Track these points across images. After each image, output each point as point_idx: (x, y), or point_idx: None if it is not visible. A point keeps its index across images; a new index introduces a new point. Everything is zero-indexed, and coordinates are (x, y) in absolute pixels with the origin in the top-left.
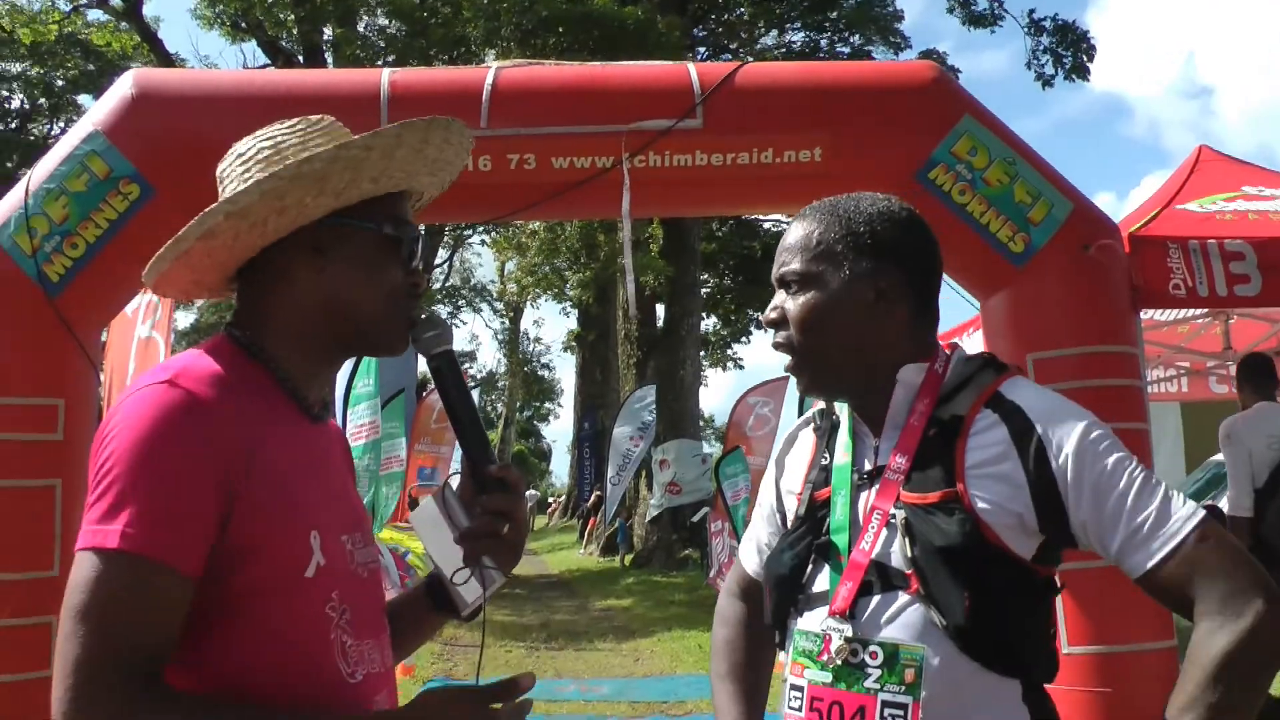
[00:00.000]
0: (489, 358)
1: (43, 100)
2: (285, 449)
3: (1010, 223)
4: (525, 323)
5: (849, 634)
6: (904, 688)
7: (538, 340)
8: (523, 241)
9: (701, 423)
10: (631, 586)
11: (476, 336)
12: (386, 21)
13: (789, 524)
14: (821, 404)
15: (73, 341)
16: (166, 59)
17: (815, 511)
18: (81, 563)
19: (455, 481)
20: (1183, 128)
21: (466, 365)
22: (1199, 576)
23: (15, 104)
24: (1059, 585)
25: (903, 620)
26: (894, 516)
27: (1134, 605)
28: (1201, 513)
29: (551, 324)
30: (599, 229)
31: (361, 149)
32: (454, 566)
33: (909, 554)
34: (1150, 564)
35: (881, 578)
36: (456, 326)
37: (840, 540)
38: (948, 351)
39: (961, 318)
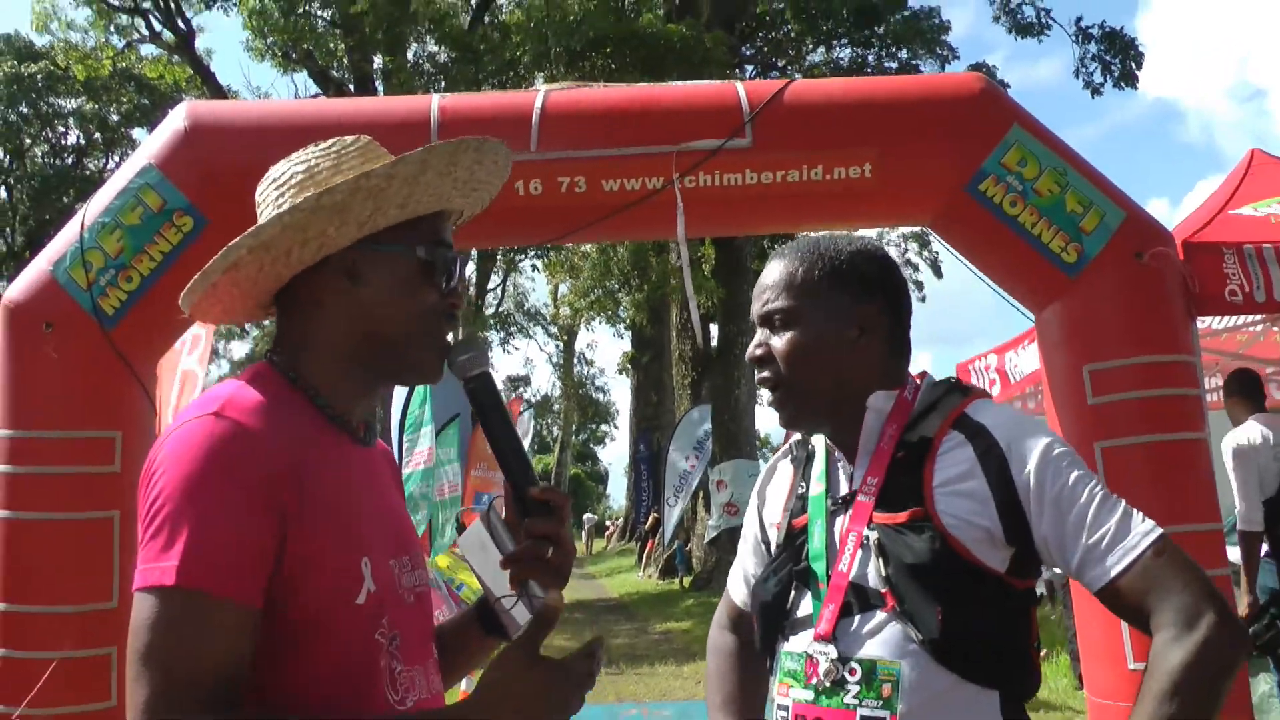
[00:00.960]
0: (543, 382)
1: (98, 135)
2: (332, 474)
3: (1062, 233)
4: (579, 345)
5: (834, 655)
6: (881, 702)
7: (592, 363)
8: (575, 264)
9: (757, 442)
10: (691, 609)
11: (530, 360)
12: (436, 48)
13: (772, 553)
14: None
15: (129, 374)
16: (219, 91)
17: (794, 539)
18: (140, 603)
19: (500, 505)
20: (1237, 131)
21: (521, 390)
22: (1155, 590)
23: (71, 139)
24: (1038, 596)
25: (881, 637)
26: (868, 538)
27: None
28: (1158, 529)
29: (605, 346)
30: (651, 250)
31: (383, 178)
32: (502, 590)
33: (883, 573)
34: (1108, 578)
35: (859, 598)
36: (510, 352)
37: (818, 566)
38: (917, 380)
39: (1015, 330)
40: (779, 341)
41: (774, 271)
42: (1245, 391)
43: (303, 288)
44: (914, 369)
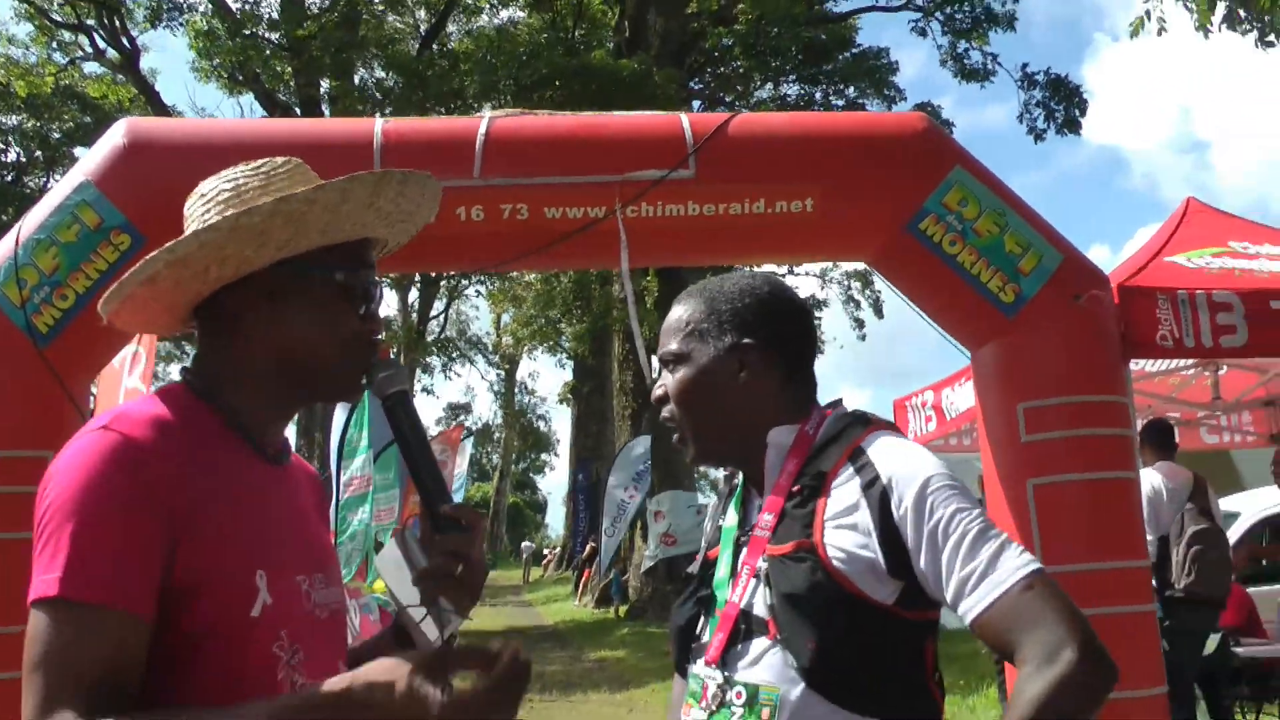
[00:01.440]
0: (485, 410)
1: (39, 153)
2: (231, 490)
3: (1001, 273)
4: (521, 374)
5: (719, 680)
6: None
7: (533, 392)
8: (518, 294)
9: (696, 474)
10: (626, 637)
11: (472, 388)
12: (384, 74)
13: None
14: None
15: (63, 393)
16: (163, 111)
17: (707, 568)
18: (31, 617)
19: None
20: (1179, 181)
21: (462, 417)
22: (1020, 625)
23: (11, 157)
24: (934, 627)
25: (764, 663)
26: (760, 569)
27: (1125, 652)
28: (1033, 564)
29: (547, 376)
30: (594, 280)
31: (303, 203)
32: (413, 605)
33: (768, 601)
34: (976, 611)
35: (748, 625)
36: (450, 379)
37: (721, 594)
38: (826, 412)
39: (953, 367)
40: (670, 382)
41: (670, 316)
42: (1155, 440)
43: (224, 303)
44: (859, 404)
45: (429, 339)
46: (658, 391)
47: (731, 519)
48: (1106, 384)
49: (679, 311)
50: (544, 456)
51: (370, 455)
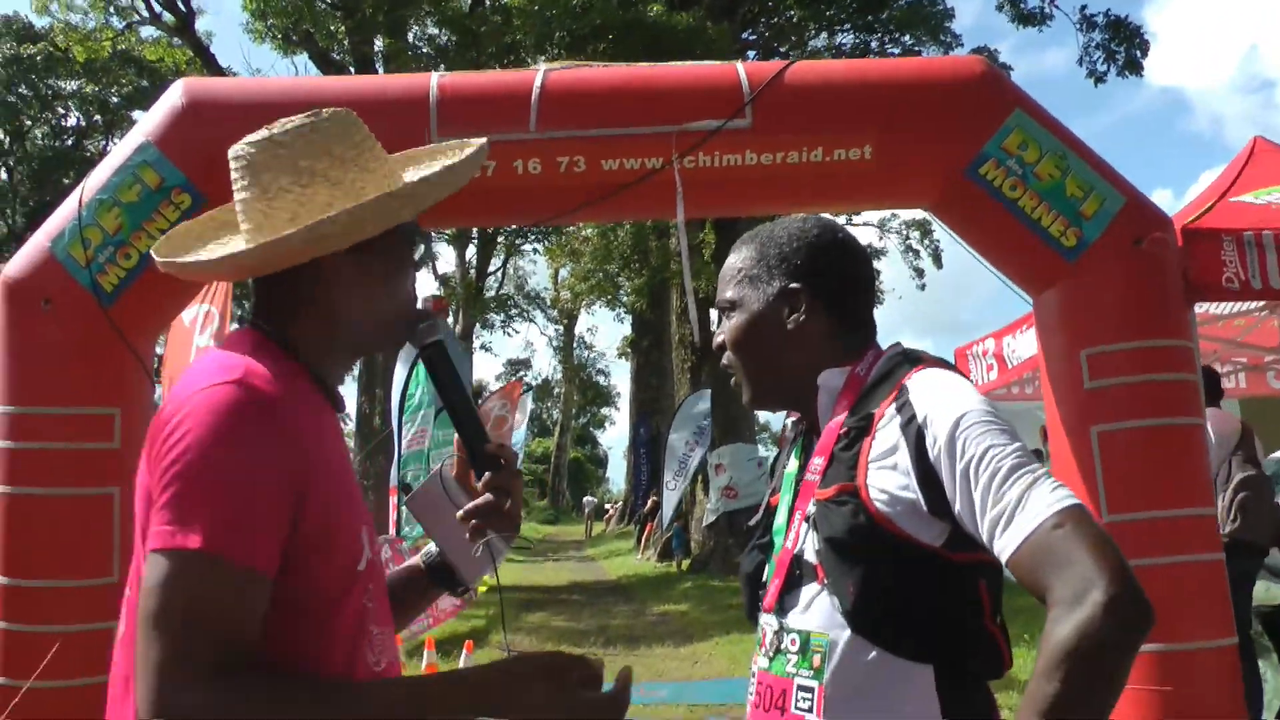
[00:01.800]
0: (544, 365)
1: (98, 117)
2: (331, 444)
3: (1062, 217)
4: (579, 329)
5: (775, 627)
6: (813, 672)
7: (592, 347)
8: (576, 248)
9: (757, 427)
10: (688, 591)
11: (531, 344)
12: (437, 31)
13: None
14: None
15: (127, 351)
16: (219, 73)
17: (770, 514)
18: (157, 564)
19: (449, 466)
20: (1244, 122)
21: (521, 373)
22: (1049, 564)
23: (71, 121)
24: (990, 570)
25: (814, 609)
26: (810, 514)
27: (1193, 602)
28: (1067, 500)
29: (606, 330)
30: (651, 234)
31: (404, 200)
32: (457, 543)
33: (816, 547)
34: (1008, 552)
35: (800, 570)
36: (510, 335)
37: (779, 540)
38: (879, 353)
39: (1016, 314)
40: (727, 330)
41: (726, 264)
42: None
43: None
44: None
45: (487, 295)
46: (718, 339)
47: (793, 464)
48: (1170, 328)
49: (733, 259)
50: (604, 411)
51: (431, 411)
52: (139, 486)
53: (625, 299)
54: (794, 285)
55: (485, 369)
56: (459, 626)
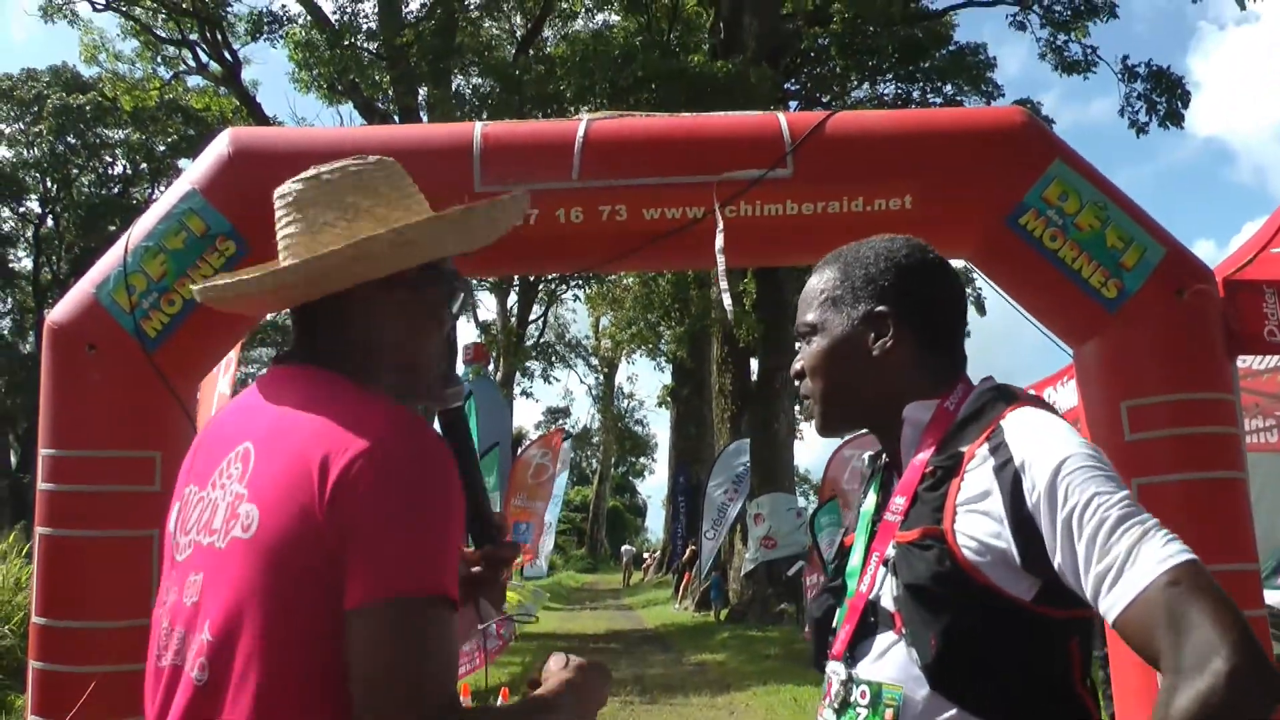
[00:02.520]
0: (583, 413)
1: (144, 165)
2: None
3: (1103, 268)
4: (619, 378)
5: (843, 676)
6: None
7: (631, 396)
8: (617, 297)
9: (796, 477)
10: (726, 640)
11: (570, 392)
12: (480, 80)
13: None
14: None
15: (170, 395)
16: (265, 121)
17: (844, 556)
18: (415, 608)
19: None
20: None
21: (561, 421)
22: (1164, 626)
23: (117, 169)
24: (1083, 626)
25: (888, 659)
26: (888, 557)
27: None
28: (1182, 555)
29: (645, 379)
30: (692, 283)
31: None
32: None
33: (894, 593)
34: (1116, 611)
35: (875, 617)
36: (551, 383)
37: (851, 583)
38: (970, 387)
39: (1055, 367)
40: (806, 355)
41: (807, 286)
42: None
43: (345, 296)
44: None
45: (528, 343)
46: (796, 366)
47: (870, 502)
48: (1212, 381)
49: (814, 281)
50: (643, 460)
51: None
52: (288, 531)
53: (665, 348)
54: (880, 309)
55: (525, 416)
56: (496, 674)
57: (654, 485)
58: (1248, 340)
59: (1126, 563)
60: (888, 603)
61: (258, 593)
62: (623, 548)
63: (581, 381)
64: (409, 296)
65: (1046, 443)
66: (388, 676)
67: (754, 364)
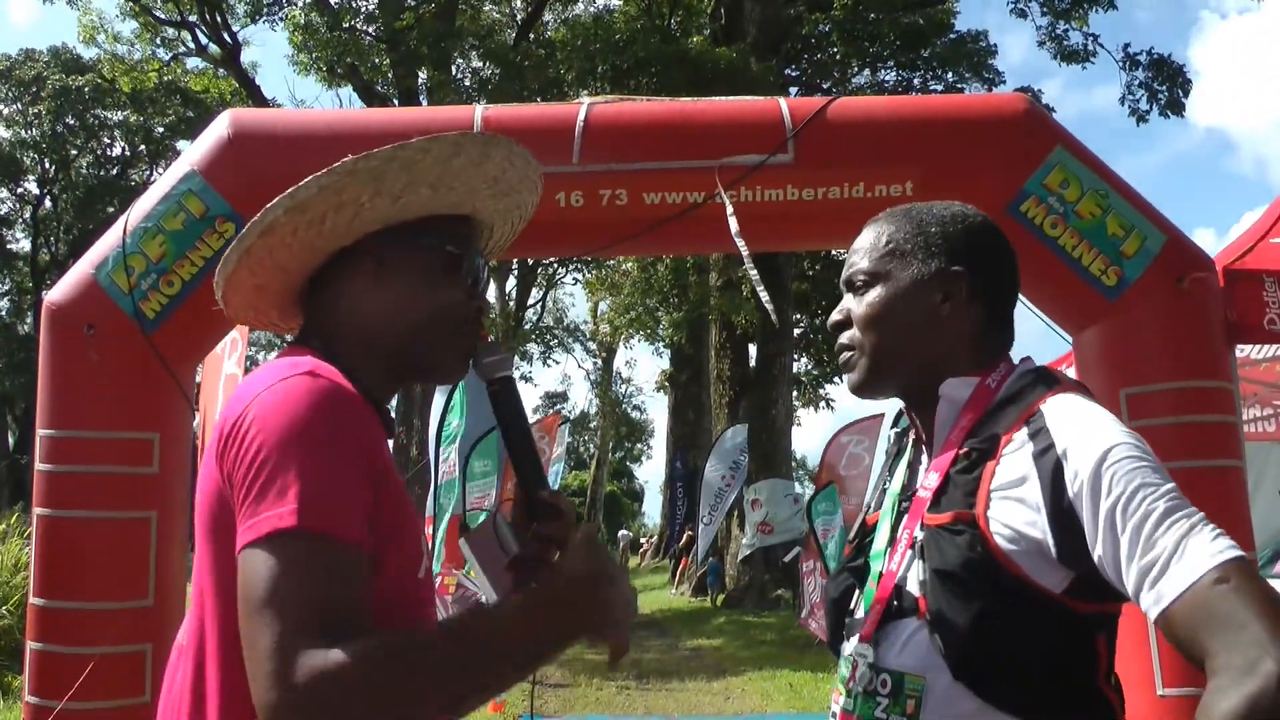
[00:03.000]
0: (581, 398)
1: (143, 147)
2: (389, 456)
3: (1103, 256)
4: (618, 363)
5: (871, 660)
6: (905, 718)
7: (629, 381)
8: (616, 282)
9: (793, 463)
10: (723, 626)
11: (568, 376)
12: (480, 64)
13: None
14: (896, 429)
15: (168, 377)
16: (264, 104)
17: (866, 534)
18: (253, 557)
19: (507, 509)
20: None
21: (559, 405)
22: (1212, 624)
23: (116, 151)
24: (1111, 621)
25: (912, 647)
26: (916, 539)
27: None
28: (1230, 551)
29: (644, 364)
30: (691, 269)
31: (418, 150)
32: (503, 590)
33: (920, 577)
34: (1160, 608)
35: (900, 601)
36: (549, 366)
37: (876, 564)
38: (1012, 367)
39: (1055, 352)
40: (858, 304)
41: (864, 236)
42: None
43: (332, 279)
44: None
45: (526, 327)
46: (836, 316)
47: (897, 482)
48: (1212, 369)
49: (876, 230)
50: (640, 445)
51: (467, 444)
52: (205, 494)
53: (664, 333)
54: (956, 268)
55: (524, 401)
56: None
57: (651, 470)
58: (1247, 329)
59: (1173, 557)
60: (913, 586)
61: (200, 556)
62: (620, 533)
63: (579, 366)
64: (401, 256)
65: (1091, 431)
66: (252, 619)
67: (752, 350)
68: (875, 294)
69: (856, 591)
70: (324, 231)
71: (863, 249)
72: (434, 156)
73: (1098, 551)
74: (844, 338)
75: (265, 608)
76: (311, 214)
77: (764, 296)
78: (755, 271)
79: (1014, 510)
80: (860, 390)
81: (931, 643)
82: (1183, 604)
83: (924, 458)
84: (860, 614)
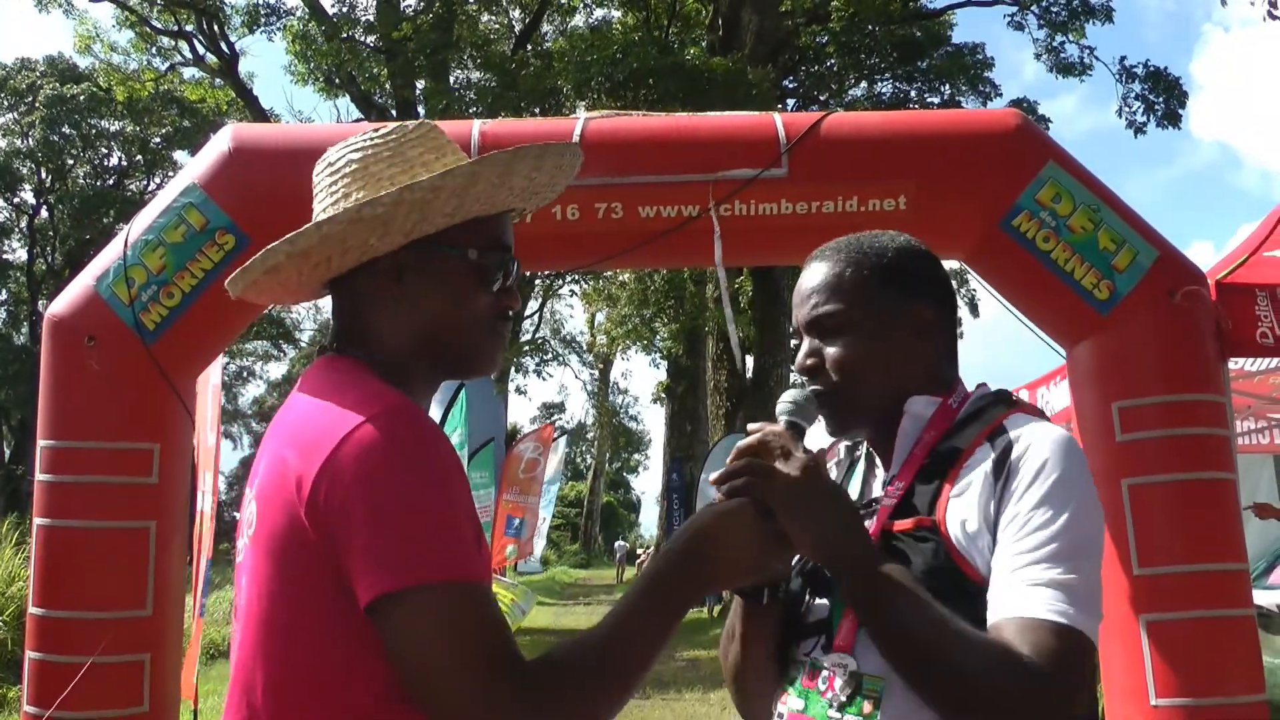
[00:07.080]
0: (578, 409)
1: (139, 156)
2: None
3: (1095, 270)
4: (614, 374)
5: (854, 669)
6: (861, 719)
7: (626, 392)
8: (613, 293)
9: None
10: (718, 637)
11: (565, 387)
12: (478, 75)
13: None
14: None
15: (169, 388)
16: (261, 114)
17: None
18: (409, 616)
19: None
20: None
21: (555, 416)
22: (1017, 634)
23: (112, 161)
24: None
25: (871, 648)
26: (882, 546)
27: (1224, 658)
28: (1080, 623)
29: (640, 375)
30: (688, 280)
31: (428, 190)
32: None
33: None
34: (996, 614)
35: None
36: (545, 379)
37: None
38: (968, 391)
39: (1048, 366)
40: (832, 349)
41: (818, 274)
42: None
43: (355, 283)
44: None
45: (523, 339)
46: (808, 361)
47: (853, 492)
48: (1203, 383)
49: (832, 268)
50: (637, 456)
51: (465, 455)
52: (273, 523)
53: (661, 344)
54: (923, 303)
55: (519, 412)
56: None
57: (648, 481)
58: (1239, 342)
59: (1036, 586)
60: None
61: (260, 588)
62: (616, 543)
63: (576, 377)
64: (423, 266)
65: (1044, 447)
66: (436, 675)
67: (749, 361)
68: (851, 340)
69: (807, 596)
70: (332, 268)
71: (822, 288)
72: (448, 192)
73: (997, 533)
74: (818, 384)
75: (460, 663)
76: (315, 258)
77: (731, 329)
78: (730, 309)
79: (969, 514)
80: (840, 434)
81: None
82: (1009, 624)
83: (878, 470)
84: (815, 618)
